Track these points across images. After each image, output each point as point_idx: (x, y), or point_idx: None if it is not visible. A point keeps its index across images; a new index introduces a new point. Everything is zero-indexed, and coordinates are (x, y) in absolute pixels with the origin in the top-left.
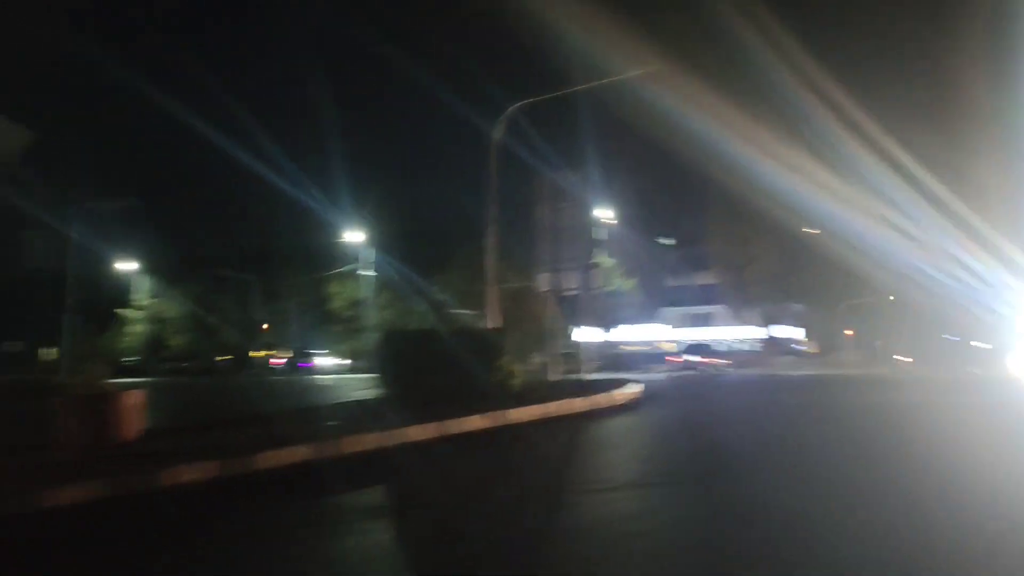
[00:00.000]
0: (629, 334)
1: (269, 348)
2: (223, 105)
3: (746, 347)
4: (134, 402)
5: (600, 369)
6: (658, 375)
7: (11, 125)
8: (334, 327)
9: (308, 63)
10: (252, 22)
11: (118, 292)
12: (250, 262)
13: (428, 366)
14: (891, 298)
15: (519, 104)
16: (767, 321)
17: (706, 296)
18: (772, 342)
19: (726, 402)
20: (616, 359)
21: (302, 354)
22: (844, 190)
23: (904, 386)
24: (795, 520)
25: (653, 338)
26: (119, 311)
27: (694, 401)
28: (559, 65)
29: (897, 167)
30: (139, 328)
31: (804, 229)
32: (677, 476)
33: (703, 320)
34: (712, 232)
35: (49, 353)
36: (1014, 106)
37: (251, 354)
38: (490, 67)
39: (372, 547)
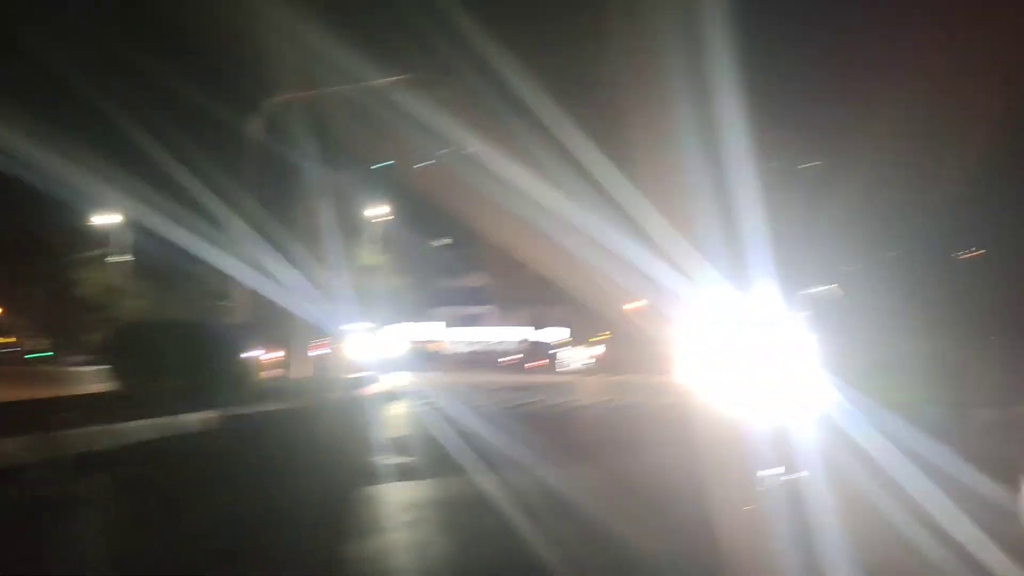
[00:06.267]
0: (405, 333)
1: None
2: None
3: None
4: None
5: (370, 367)
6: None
7: None
8: (84, 316)
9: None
10: None
11: None
12: None
13: (166, 359)
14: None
15: (277, 99)
16: (534, 323)
17: (478, 297)
18: (527, 344)
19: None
20: (398, 358)
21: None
22: (590, 199)
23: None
24: None
25: (428, 337)
26: None
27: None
28: (330, 65)
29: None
30: None
31: (570, 233)
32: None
33: (474, 320)
34: (485, 234)
35: None
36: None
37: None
38: (255, 64)
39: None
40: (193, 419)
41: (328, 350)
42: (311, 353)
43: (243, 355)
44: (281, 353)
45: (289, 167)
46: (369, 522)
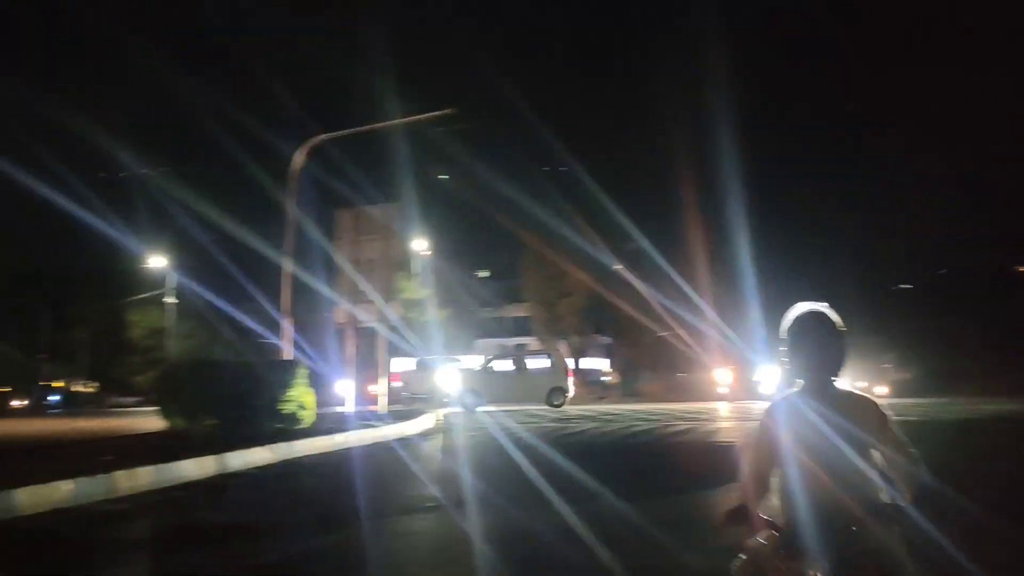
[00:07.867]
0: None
1: (59, 379)
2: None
3: None
4: None
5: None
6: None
7: None
8: (132, 358)
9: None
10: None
11: None
12: (32, 284)
13: (216, 398)
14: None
15: (324, 136)
16: (575, 353)
17: (519, 328)
18: (577, 373)
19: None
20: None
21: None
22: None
23: None
24: None
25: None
26: None
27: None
28: (373, 101)
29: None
30: None
31: (614, 267)
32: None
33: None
34: (526, 267)
35: None
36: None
37: (42, 384)
38: (305, 99)
39: None
40: (241, 458)
41: (403, 382)
42: (391, 384)
43: (295, 391)
44: (348, 386)
45: (331, 202)
46: (422, 557)
